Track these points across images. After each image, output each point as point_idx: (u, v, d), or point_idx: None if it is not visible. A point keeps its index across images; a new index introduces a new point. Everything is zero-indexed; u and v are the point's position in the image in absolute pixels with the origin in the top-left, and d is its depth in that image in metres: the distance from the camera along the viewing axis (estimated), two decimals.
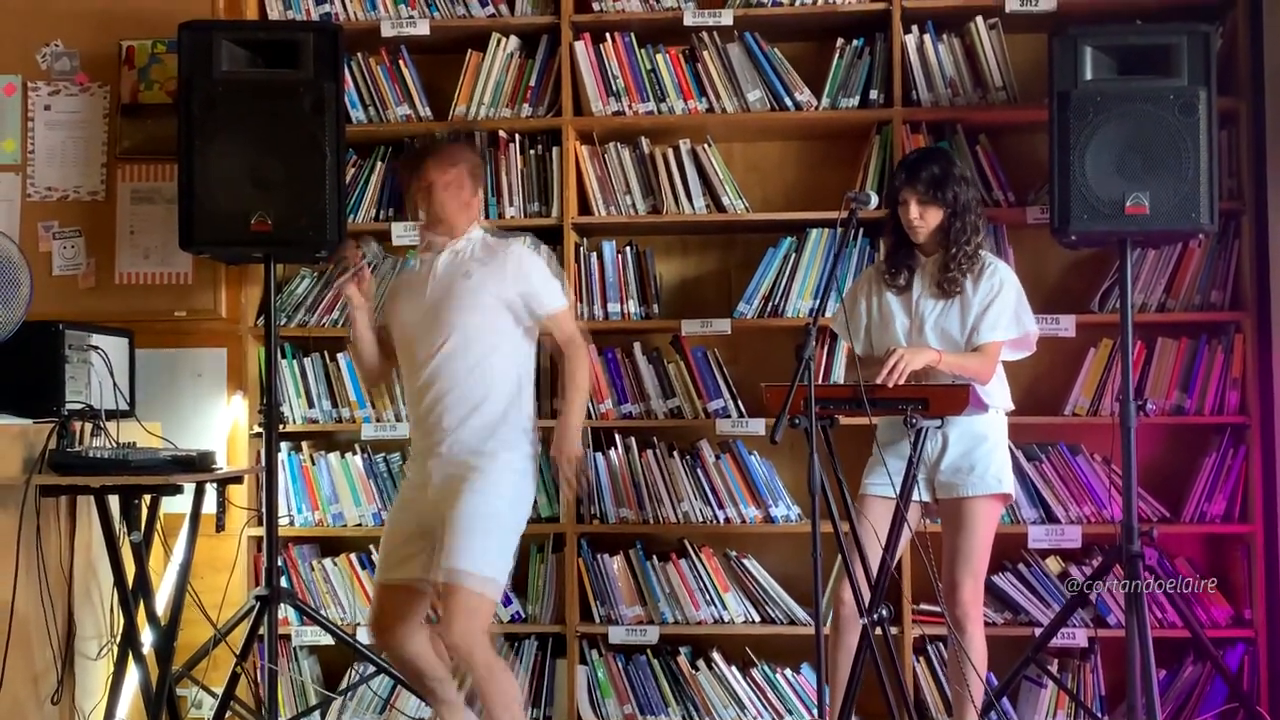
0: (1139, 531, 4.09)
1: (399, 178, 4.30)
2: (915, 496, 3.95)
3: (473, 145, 4.17)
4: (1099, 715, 4.41)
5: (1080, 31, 4.11)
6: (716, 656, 4.65)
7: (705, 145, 4.72)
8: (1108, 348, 4.56)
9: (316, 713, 4.71)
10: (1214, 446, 4.53)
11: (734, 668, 4.65)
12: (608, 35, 4.71)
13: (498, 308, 3.79)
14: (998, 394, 4.00)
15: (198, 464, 4.05)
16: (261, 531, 4.47)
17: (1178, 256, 4.56)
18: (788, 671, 4.64)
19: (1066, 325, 4.52)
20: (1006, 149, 4.69)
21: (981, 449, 3.94)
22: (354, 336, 3.95)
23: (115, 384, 4.24)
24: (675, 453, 4.71)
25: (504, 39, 4.78)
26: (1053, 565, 4.58)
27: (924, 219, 3.96)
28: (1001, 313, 3.92)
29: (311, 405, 4.84)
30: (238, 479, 4.38)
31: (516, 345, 3.85)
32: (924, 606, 4.52)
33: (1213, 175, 4.04)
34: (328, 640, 4.65)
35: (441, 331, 3.77)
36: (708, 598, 4.65)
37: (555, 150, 4.75)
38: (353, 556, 4.80)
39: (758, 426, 4.60)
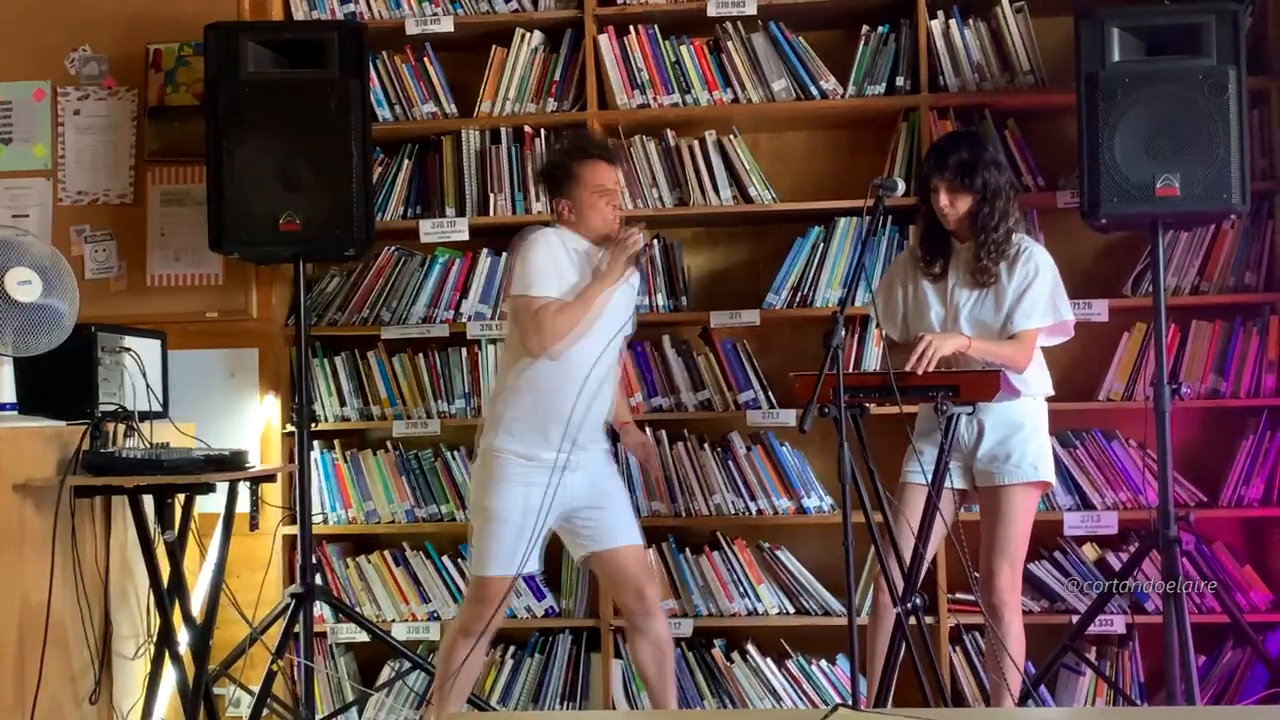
0: (1176, 516, 4.05)
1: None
2: (953, 484, 3.94)
3: None
4: (1138, 702, 4.37)
5: (1107, 13, 4.07)
6: (751, 648, 4.64)
7: (731, 136, 4.71)
8: (1141, 332, 4.52)
9: (353, 710, 4.73)
10: (1251, 429, 4.48)
11: (769, 659, 4.63)
12: (631, 28, 4.71)
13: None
14: (1036, 380, 3.97)
15: (230, 463, 4.07)
16: (295, 530, 4.48)
17: (1210, 238, 4.51)
18: (823, 663, 4.63)
19: (1099, 310, 4.49)
20: (1035, 133, 4.66)
21: (1018, 436, 3.91)
22: (590, 301, 3.86)
23: (148, 385, 4.27)
24: (706, 445, 4.70)
25: (528, 34, 4.78)
26: (1089, 552, 4.55)
27: (954, 206, 3.93)
28: (1037, 300, 3.89)
29: (343, 403, 4.86)
30: (270, 477, 4.39)
31: None
32: (959, 596, 4.50)
33: (1244, 155, 3.99)
34: (363, 637, 4.67)
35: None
36: (741, 590, 4.64)
37: None
38: (387, 553, 4.81)
39: (789, 417, 4.58)
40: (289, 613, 4.30)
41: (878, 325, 4.45)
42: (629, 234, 3.90)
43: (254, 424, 4.88)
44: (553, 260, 3.86)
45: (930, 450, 3.85)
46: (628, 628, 4.11)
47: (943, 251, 4.02)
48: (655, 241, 4.73)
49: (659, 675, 4.06)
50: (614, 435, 4.16)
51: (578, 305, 3.82)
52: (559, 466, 3.81)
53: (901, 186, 3.73)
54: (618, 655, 4.66)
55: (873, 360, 4.61)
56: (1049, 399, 4.06)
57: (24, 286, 3.86)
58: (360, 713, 4.76)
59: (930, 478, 3.73)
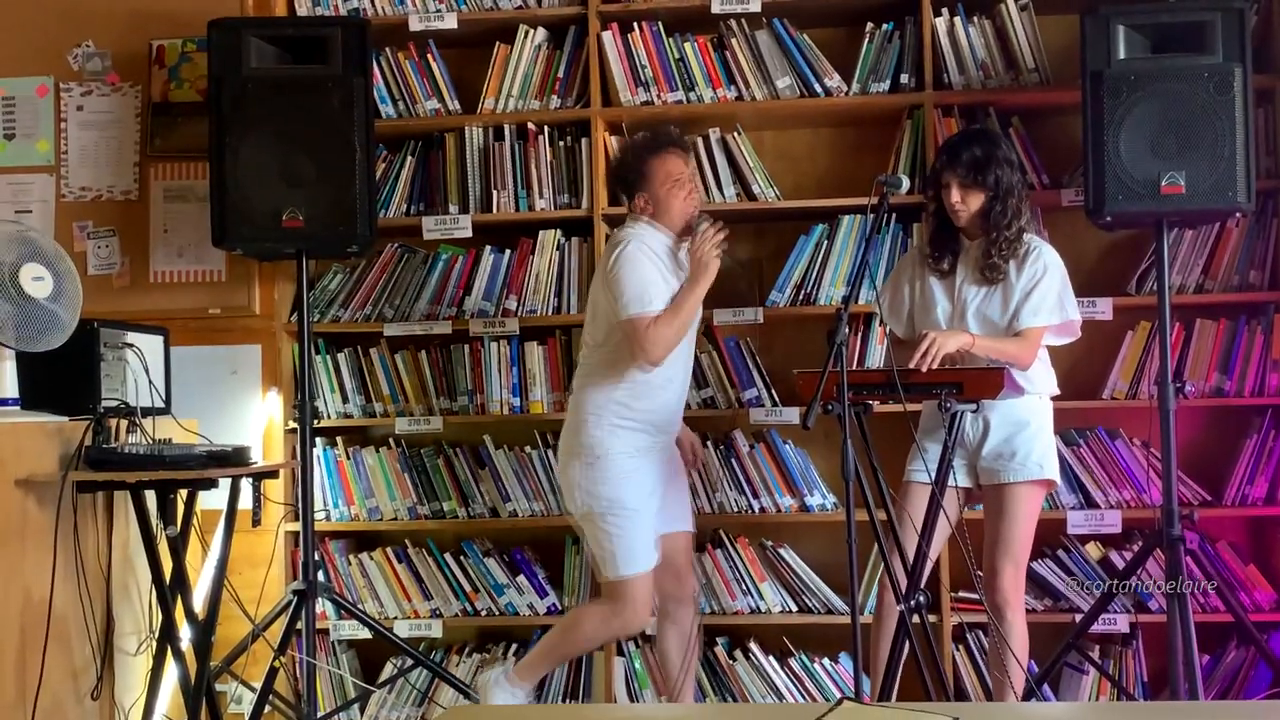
0: (1179, 515, 4.03)
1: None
2: (958, 482, 3.93)
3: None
4: (1141, 701, 4.36)
5: (1112, 10, 4.06)
6: (754, 647, 4.63)
7: (735, 134, 4.70)
8: (1145, 330, 4.52)
9: (355, 706, 4.73)
10: (1255, 428, 4.48)
11: (771, 658, 4.63)
12: (635, 25, 4.70)
13: None
14: (1040, 379, 3.96)
15: (233, 459, 4.07)
16: (298, 526, 4.47)
17: (1215, 237, 4.51)
18: (825, 661, 4.62)
19: (1103, 308, 4.48)
20: (1040, 131, 4.65)
21: (1024, 434, 3.91)
22: (690, 309, 3.98)
23: (151, 381, 4.26)
24: (709, 443, 4.69)
25: (531, 31, 4.77)
26: (1093, 551, 4.54)
27: (965, 202, 3.91)
28: (1044, 298, 3.88)
29: (345, 400, 4.85)
30: (273, 473, 4.39)
31: None
32: (963, 594, 4.49)
33: (1249, 153, 3.98)
34: (365, 634, 4.67)
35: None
36: (744, 588, 4.64)
37: (584, 141, 4.74)
38: (389, 550, 4.81)
39: (792, 415, 4.57)
40: (291, 609, 4.29)
41: (882, 323, 4.44)
42: (704, 232, 3.97)
43: (256, 420, 4.88)
44: (646, 272, 3.94)
45: (935, 448, 3.84)
46: (659, 615, 4.16)
47: (952, 248, 4.01)
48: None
49: (682, 666, 4.10)
50: None
51: (678, 315, 3.92)
52: (657, 450, 4.06)
53: (906, 184, 3.72)
54: (620, 653, 4.66)
55: (876, 358, 4.60)
56: (1054, 397, 4.05)
57: (38, 283, 3.86)
58: (362, 710, 4.76)
59: (933, 476, 3.72)
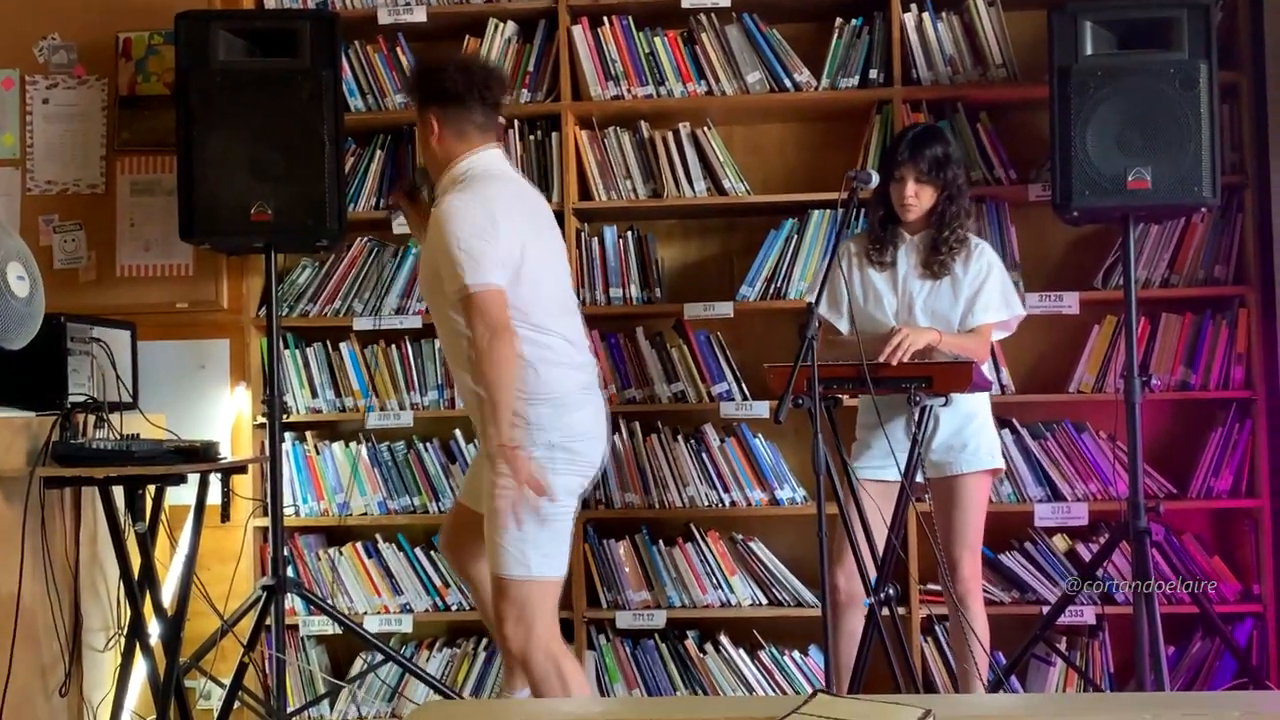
0: (1145, 508, 4.07)
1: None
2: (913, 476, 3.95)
3: (429, 73, 3.68)
4: (1108, 692, 4.40)
5: (1079, 6, 4.08)
6: (724, 640, 4.65)
7: (705, 128, 4.70)
8: (1111, 324, 4.55)
9: (325, 702, 4.72)
10: (1220, 421, 4.52)
11: (741, 651, 4.64)
12: (605, 19, 4.70)
13: (439, 280, 3.51)
14: (986, 372, 4.02)
15: (201, 454, 4.05)
16: (267, 522, 4.46)
17: (1180, 232, 4.55)
18: (795, 654, 4.64)
19: (1070, 302, 4.51)
20: (1007, 126, 4.68)
21: (972, 426, 3.98)
22: None
23: (118, 376, 4.24)
24: (680, 437, 4.70)
25: (501, 24, 4.76)
26: (1059, 543, 4.57)
27: (918, 198, 3.96)
28: (992, 295, 3.97)
29: (315, 395, 4.83)
30: (241, 468, 4.37)
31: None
32: (930, 586, 4.52)
33: (1214, 149, 4.01)
34: (335, 630, 4.65)
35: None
36: (714, 581, 4.65)
37: (554, 135, 4.73)
38: (359, 545, 4.80)
39: (762, 409, 4.58)
40: (260, 605, 4.27)
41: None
42: None
43: (225, 415, 4.86)
44: None
45: (878, 443, 3.88)
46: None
47: (894, 241, 4.05)
48: (629, 234, 4.73)
49: None
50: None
51: None
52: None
53: (876, 179, 3.74)
54: (591, 647, 4.66)
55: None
56: (1017, 391, 4.14)
57: (20, 282, 3.83)
58: (332, 705, 4.75)
59: (902, 468, 3.74)
